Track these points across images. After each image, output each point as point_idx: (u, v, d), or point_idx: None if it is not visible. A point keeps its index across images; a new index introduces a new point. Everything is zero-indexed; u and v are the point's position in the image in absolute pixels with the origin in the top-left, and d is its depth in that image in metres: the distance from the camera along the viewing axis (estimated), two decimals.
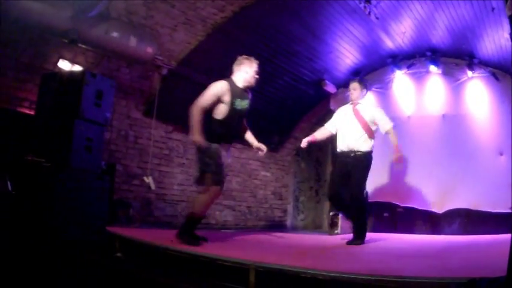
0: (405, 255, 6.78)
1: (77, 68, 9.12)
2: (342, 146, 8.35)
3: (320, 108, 14.25)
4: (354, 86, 8.65)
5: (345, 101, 13.56)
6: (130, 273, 5.31)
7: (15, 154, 7.06)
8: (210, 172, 6.71)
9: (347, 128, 8.35)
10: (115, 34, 8.85)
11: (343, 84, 13.69)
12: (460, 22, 10.44)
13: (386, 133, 8.41)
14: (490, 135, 11.65)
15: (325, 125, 8.79)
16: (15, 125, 7.95)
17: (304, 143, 8.44)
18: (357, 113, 8.40)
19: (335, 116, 8.82)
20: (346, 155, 8.23)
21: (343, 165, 8.23)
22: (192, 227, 6.79)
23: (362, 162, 8.19)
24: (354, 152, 8.16)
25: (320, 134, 8.74)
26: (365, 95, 8.72)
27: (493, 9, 9.19)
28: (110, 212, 8.11)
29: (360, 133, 8.22)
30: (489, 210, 11.19)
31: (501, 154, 11.42)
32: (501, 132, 11.37)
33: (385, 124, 8.38)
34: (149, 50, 9.49)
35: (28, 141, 7.27)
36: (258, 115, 12.83)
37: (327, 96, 13.84)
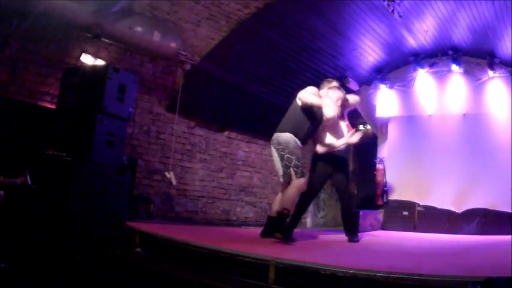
0: (423, 253, 6.80)
1: (100, 62, 9.15)
2: None
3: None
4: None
5: (367, 98, 13.61)
6: (150, 268, 5.33)
7: (36, 148, 7.09)
8: (293, 166, 6.94)
9: None
10: (139, 29, 8.87)
11: (365, 82, 13.71)
12: (481, 21, 10.40)
13: None
14: (510, 136, 11.55)
15: None
16: (37, 119, 7.98)
17: None
18: None
19: None
20: None
21: None
22: (283, 223, 6.99)
23: None
24: None
25: None
26: None
27: None
28: (130, 207, 8.13)
29: None
30: (507, 211, 11.14)
31: None
32: None
33: None
34: (173, 45, 9.51)
35: (49, 136, 7.29)
36: (281, 111, 12.83)
37: (349, 93, 13.82)
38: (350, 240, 7.94)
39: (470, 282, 3.39)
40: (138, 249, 6.24)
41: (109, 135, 7.18)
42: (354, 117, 12.80)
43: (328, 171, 8.01)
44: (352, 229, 8.21)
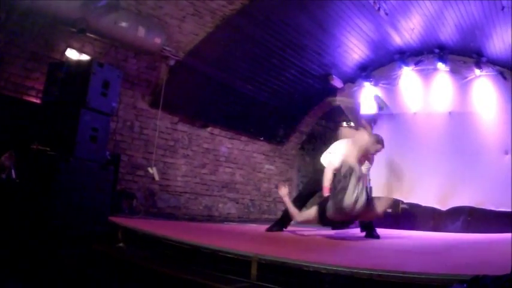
0: (408, 251, 6.79)
1: (85, 57, 9.12)
2: None
3: (326, 102, 14.24)
4: None
5: (351, 96, 13.64)
6: (132, 263, 5.32)
7: (21, 142, 7.06)
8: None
9: None
10: (124, 24, 8.86)
11: (350, 79, 13.72)
12: (469, 20, 10.43)
13: None
14: (496, 134, 11.63)
15: None
16: (22, 113, 7.96)
17: None
18: None
19: None
20: None
21: None
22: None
23: None
24: None
25: None
26: None
27: (502, 8, 9.18)
28: (113, 203, 8.12)
29: None
30: (492, 209, 11.19)
31: (506, 153, 11.43)
32: (507, 131, 11.33)
33: None
34: (157, 40, 9.51)
35: (34, 130, 7.25)
36: (264, 108, 12.85)
37: (334, 91, 13.83)
38: (372, 237, 8.33)
39: (455, 281, 3.39)
40: (121, 245, 6.22)
41: (93, 130, 7.13)
42: (338, 115, 12.84)
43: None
44: (371, 226, 8.53)
